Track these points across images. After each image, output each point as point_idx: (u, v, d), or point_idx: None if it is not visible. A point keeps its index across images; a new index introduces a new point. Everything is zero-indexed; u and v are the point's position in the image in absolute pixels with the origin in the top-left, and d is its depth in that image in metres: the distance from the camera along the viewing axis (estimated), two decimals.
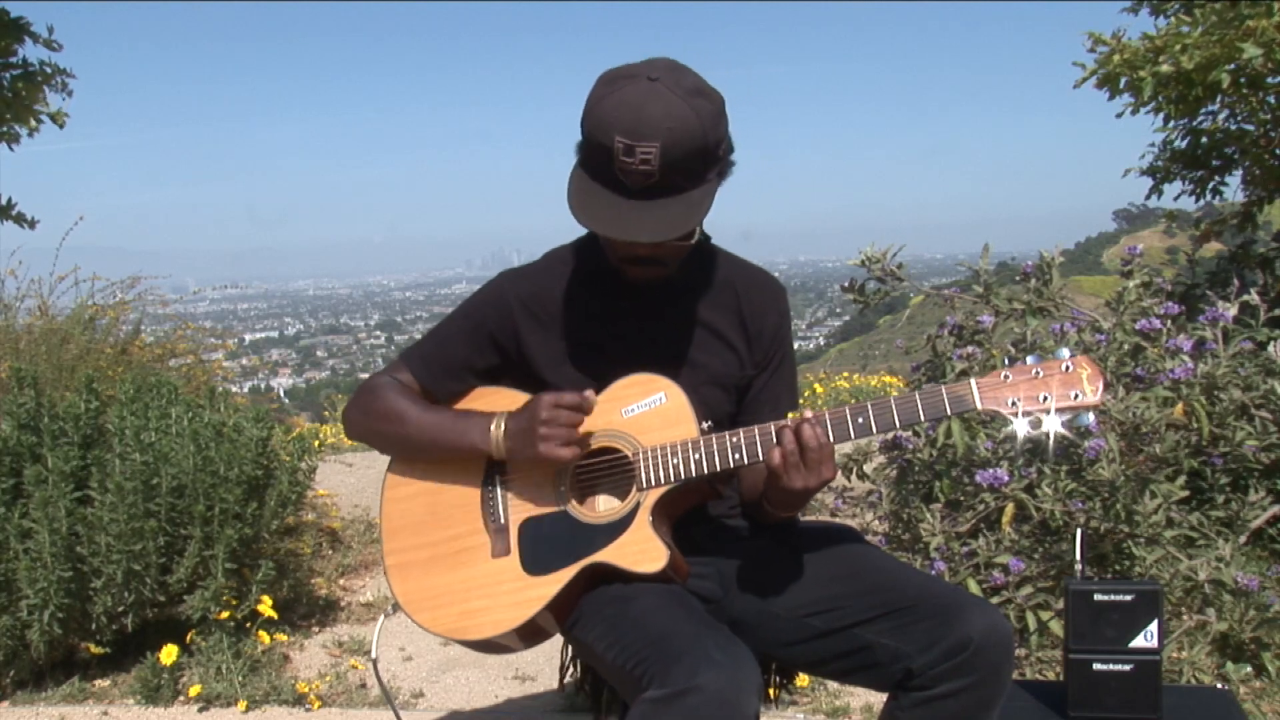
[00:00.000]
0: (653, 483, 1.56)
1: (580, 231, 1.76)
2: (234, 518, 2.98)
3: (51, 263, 4.83)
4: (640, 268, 1.58)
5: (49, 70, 4.28)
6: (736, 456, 1.53)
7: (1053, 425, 1.45)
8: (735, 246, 1.75)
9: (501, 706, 2.78)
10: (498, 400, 1.69)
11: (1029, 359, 1.48)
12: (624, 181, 1.44)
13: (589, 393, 1.55)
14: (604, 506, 1.61)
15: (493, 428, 1.60)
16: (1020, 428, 1.46)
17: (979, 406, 1.46)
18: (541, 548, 1.59)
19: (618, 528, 1.56)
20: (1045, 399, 1.45)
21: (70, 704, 2.83)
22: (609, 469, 1.60)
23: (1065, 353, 1.46)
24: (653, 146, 1.41)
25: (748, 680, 1.34)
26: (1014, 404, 1.46)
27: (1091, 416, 1.45)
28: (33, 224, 4.43)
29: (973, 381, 1.48)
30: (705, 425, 1.57)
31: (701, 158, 1.46)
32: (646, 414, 1.59)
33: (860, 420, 1.50)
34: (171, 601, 3.02)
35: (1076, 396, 1.44)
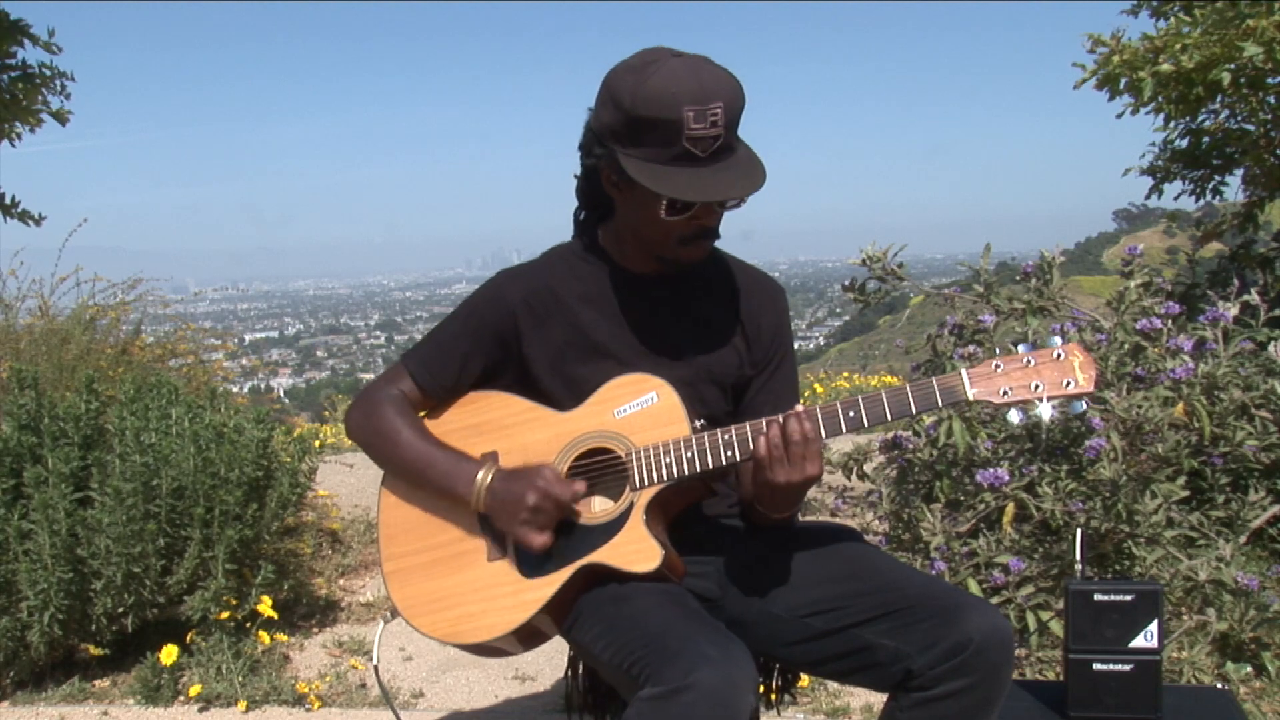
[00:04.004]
0: (646, 482, 1.56)
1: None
2: (234, 519, 2.98)
3: (53, 263, 4.82)
4: (703, 242, 1.59)
5: (48, 73, 4.27)
6: (729, 454, 1.53)
7: (1045, 413, 1.44)
8: (735, 246, 1.74)
9: (501, 706, 2.78)
10: (488, 407, 1.69)
11: (1021, 347, 1.47)
12: (693, 150, 1.47)
13: (579, 488, 1.57)
14: (598, 507, 1.60)
15: (479, 475, 1.61)
16: (1013, 416, 1.46)
17: (970, 396, 1.46)
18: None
19: (612, 528, 1.56)
20: (1038, 387, 1.45)
21: (70, 704, 2.83)
22: (602, 470, 1.60)
23: (1058, 341, 1.46)
24: (719, 106, 1.46)
25: (743, 677, 1.34)
26: (1006, 393, 1.45)
27: (1084, 404, 1.45)
28: (39, 220, 4.41)
29: (964, 371, 1.47)
30: (698, 423, 1.57)
31: (741, 113, 1.52)
32: (638, 414, 1.58)
33: (851, 414, 1.49)
34: (171, 602, 3.02)
35: (1069, 384, 1.44)
